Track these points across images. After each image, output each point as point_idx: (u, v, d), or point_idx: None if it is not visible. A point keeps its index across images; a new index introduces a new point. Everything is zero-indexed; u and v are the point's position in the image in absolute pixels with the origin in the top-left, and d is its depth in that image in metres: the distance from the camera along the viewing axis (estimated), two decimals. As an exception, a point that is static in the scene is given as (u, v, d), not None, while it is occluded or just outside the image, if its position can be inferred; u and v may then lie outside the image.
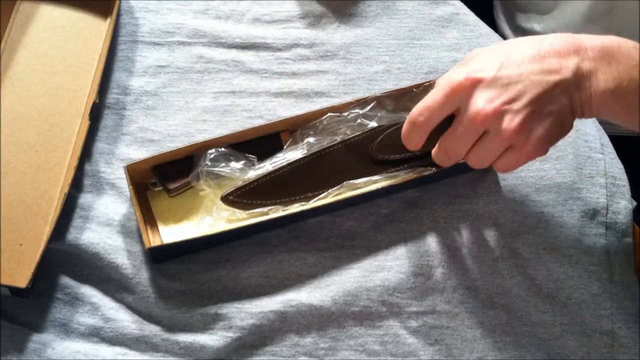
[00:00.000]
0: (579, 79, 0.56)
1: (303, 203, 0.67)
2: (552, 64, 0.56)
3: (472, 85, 0.57)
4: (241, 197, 0.67)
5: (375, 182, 0.68)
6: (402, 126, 0.62)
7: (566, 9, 0.83)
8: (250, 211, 0.67)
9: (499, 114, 0.56)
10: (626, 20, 0.77)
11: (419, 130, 0.60)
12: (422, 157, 0.68)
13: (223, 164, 0.68)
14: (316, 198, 0.67)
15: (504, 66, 0.57)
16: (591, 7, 0.79)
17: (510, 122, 0.56)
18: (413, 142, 0.61)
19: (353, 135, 0.69)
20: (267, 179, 0.67)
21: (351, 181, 0.68)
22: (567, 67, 0.56)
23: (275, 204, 0.67)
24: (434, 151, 0.62)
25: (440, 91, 0.58)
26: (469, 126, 0.58)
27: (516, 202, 0.72)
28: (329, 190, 0.68)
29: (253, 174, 0.68)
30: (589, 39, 0.57)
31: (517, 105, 0.56)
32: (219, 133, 0.72)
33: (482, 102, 0.56)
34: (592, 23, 0.80)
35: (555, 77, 0.56)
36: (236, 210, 0.67)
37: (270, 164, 0.68)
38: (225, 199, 0.66)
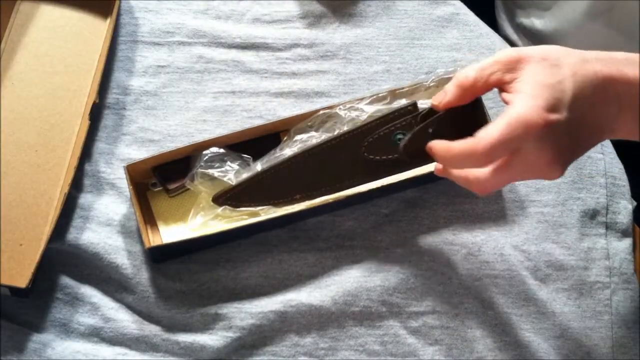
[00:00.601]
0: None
1: (292, 205, 0.67)
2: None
3: (546, 127, 0.53)
4: (230, 200, 0.67)
5: (369, 180, 0.67)
6: (393, 125, 0.62)
7: (567, 6, 0.83)
8: (240, 211, 0.67)
9: (559, 166, 0.55)
10: (627, 18, 0.77)
11: (477, 160, 0.54)
12: (413, 160, 0.65)
13: (218, 165, 0.68)
14: (306, 201, 0.67)
15: (573, 107, 0.54)
16: (592, 4, 0.79)
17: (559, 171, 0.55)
18: (470, 165, 0.57)
19: (341, 132, 0.67)
20: (254, 182, 0.66)
21: (343, 192, 0.67)
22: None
23: (263, 205, 0.67)
24: (458, 173, 0.59)
25: (513, 129, 0.53)
26: (527, 173, 0.55)
27: (516, 202, 0.72)
28: (320, 192, 0.67)
29: (246, 175, 0.68)
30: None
31: (573, 156, 0.56)
32: (219, 133, 0.72)
33: (550, 153, 0.54)
34: (592, 20, 0.80)
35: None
36: (227, 208, 0.67)
37: (262, 164, 0.68)
38: (216, 201, 0.67)
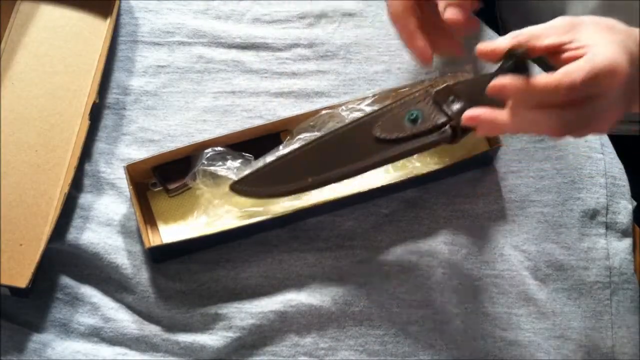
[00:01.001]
0: None
1: (308, 191, 0.66)
2: None
3: (627, 77, 0.53)
4: (248, 185, 0.66)
5: (381, 163, 0.65)
6: (406, 104, 0.61)
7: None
8: (260, 200, 0.67)
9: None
10: (630, 23, 0.77)
11: (560, 93, 0.52)
12: (428, 135, 0.63)
13: (220, 163, 0.68)
14: (318, 187, 0.65)
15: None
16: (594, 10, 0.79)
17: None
18: (545, 102, 0.54)
19: (360, 117, 0.67)
20: (270, 168, 0.66)
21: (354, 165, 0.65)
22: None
23: (281, 191, 0.66)
24: (531, 113, 0.55)
25: (601, 69, 0.52)
26: (592, 121, 0.54)
27: (516, 202, 0.72)
28: (333, 175, 0.65)
29: (261, 162, 0.68)
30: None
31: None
32: (219, 133, 0.72)
33: (622, 108, 0.54)
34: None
35: None
36: (233, 208, 0.67)
37: (264, 161, 0.68)
38: (233, 188, 0.66)
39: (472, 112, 0.57)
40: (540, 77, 0.53)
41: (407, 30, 0.65)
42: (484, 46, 0.58)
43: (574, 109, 0.53)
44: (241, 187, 0.66)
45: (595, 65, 0.52)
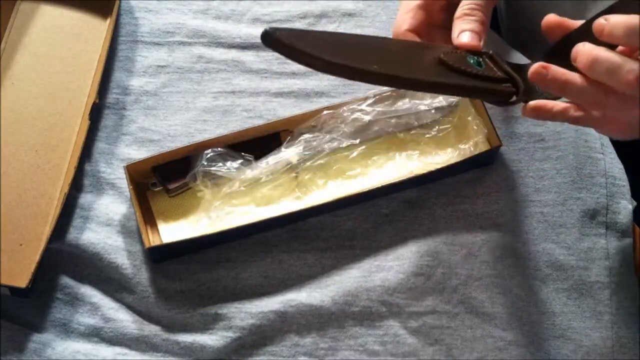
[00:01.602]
0: None
1: (366, 81, 0.55)
2: None
3: None
4: (291, 37, 0.51)
5: (442, 86, 0.57)
6: (472, 53, 0.58)
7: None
8: (260, 200, 0.64)
9: None
10: None
11: None
12: (491, 82, 0.59)
13: (220, 164, 0.68)
14: (383, 77, 0.54)
15: None
16: None
17: None
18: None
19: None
20: (336, 36, 0.57)
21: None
22: None
23: (341, 64, 0.51)
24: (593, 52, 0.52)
25: None
26: None
27: (516, 202, 0.72)
28: (394, 73, 0.54)
29: (250, 173, 0.68)
30: None
31: None
32: (219, 133, 0.72)
33: None
34: None
35: None
36: (234, 208, 0.67)
37: (267, 163, 0.68)
38: (268, 33, 0.50)
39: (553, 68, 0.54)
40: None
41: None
42: (553, 19, 0.57)
43: None
44: (282, 38, 0.50)
45: None
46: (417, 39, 0.62)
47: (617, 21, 0.51)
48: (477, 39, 0.60)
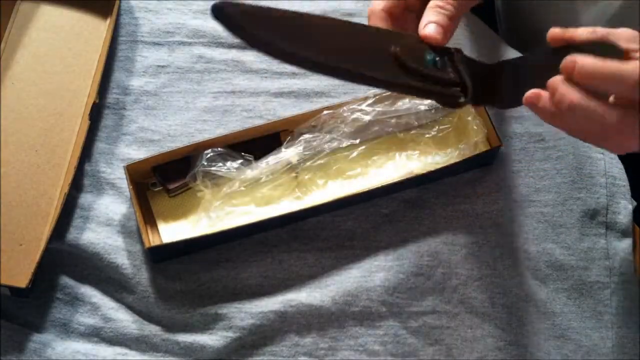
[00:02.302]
0: None
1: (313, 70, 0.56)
2: None
3: None
4: (244, 14, 0.50)
5: (393, 85, 0.58)
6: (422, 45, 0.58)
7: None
8: (260, 200, 0.63)
9: None
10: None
11: (622, 79, 0.50)
12: (439, 85, 0.58)
13: (220, 164, 0.68)
14: (331, 71, 0.55)
15: None
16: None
17: None
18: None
19: (378, 27, 0.60)
20: (287, 15, 0.53)
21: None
22: None
23: (287, 50, 0.52)
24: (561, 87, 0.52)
25: None
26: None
27: (516, 202, 0.72)
28: (345, 67, 0.55)
29: (250, 173, 0.68)
30: None
31: None
32: (219, 133, 0.72)
33: None
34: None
35: None
36: (234, 208, 0.67)
37: (267, 163, 0.68)
38: (218, 6, 0.48)
39: (533, 92, 0.54)
40: (613, 61, 0.51)
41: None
42: (558, 31, 0.55)
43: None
44: (233, 12, 0.49)
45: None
46: (388, 22, 0.61)
47: (587, 66, 0.51)
48: (441, 33, 0.59)
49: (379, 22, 0.60)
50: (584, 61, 0.51)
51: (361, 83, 0.57)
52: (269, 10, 0.52)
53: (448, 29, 0.59)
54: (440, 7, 0.59)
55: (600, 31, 0.55)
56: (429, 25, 0.59)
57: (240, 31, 0.50)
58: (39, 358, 0.63)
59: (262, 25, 0.51)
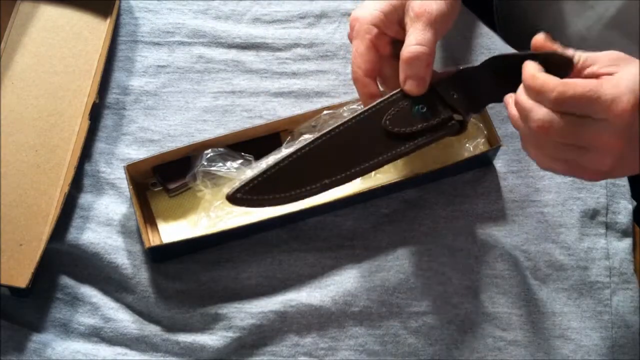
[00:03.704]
0: None
1: (319, 193, 0.61)
2: None
3: (632, 113, 0.51)
4: (250, 193, 0.59)
5: (394, 157, 0.63)
6: (416, 99, 0.62)
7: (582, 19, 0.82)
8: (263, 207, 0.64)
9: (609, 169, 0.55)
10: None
11: (548, 96, 0.53)
12: (437, 129, 0.63)
13: (220, 164, 0.68)
14: (336, 186, 0.61)
15: None
16: (609, 15, 0.79)
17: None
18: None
19: (362, 110, 0.64)
20: (274, 171, 0.60)
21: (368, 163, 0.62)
22: None
23: (289, 196, 0.60)
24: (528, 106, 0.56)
25: (603, 91, 0.52)
26: (581, 154, 0.54)
27: (516, 202, 0.72)
28: (349, 175, 0.61)
29: (250, 173, 0.68)
30: None
31: (621, 171, 0.56)
32: (219, 133, 0.72)
33: (617, 146, 0.53)
34: (610, 29, 0.79)
35: None
36: (234, 208, 0.67)
37: (267, 163, 0.68)
38: (232, 198, 0.58)
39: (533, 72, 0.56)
40: (544, 74, 0.54)
41: (365, 79, 0.65)
42: (534, 81, 0.56)
43: (568, 121, 0.53)
44: (244, 197, 0.59)
45: (597, 91, 0.52)
46: (372, 82, 0.65)
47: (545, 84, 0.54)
48: (421, 86, 0.62)
49: (364, 88, 0.65)
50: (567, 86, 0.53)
51: (371, 171, 0.62)
52: (269, 173, 0.59)
53: (427, 77, 0.62)
54: (412, 59, 0.62)
55: (579, 55, 0.57)
56: (408, 81, 0.62)
57: (260, 205, 0.60)
58: (39, 358, 0.63)
59: (272, 191, 0.60)
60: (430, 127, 0.62)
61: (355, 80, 0.65)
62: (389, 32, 0.65)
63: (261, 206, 0.60)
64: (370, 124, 0.63)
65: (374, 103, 0.64)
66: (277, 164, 0.60)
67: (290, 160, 0.60)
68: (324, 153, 0.62)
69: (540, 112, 0.54)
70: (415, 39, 0.62)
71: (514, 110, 0.58)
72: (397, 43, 0.65)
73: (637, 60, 0.55)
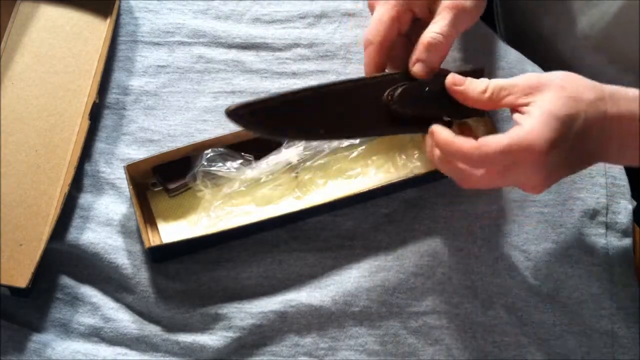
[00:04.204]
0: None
1: (310, 139, 0.63)
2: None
3: (546, 157, 0.56)
4: (249, 114, 0.59)
5: (382, 134, 0.67)
6: (424, 82, 0.62)
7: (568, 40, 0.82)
8: (260, 200, 0.65)
9: (544, 187, 0.59)
10: (626, 52, 0.76)
11: (471, 162, 0.58)
12: (426, 123, 0.63)
13: (220, 164, 0.68)
14: (330, 139, 0.64)
15: (575, 143, 0.57)
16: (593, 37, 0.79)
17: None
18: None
19: (365, 77, 0.64)
20: (277, 101, 0.60)
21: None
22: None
23: (282, 130, 0.61)
24: (450, 164, 0.60)
25: (514, 149, 0.55)
26: (515, 184, 0.59)
27: (516, 202, 0.72)
28: (343, 133, 0.64)
29: (250, 173, 0.68)
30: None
31: (559, 179, 0.60)
32: (219, 133, 0.72)
33: (542, 177, 0.57)
34: (595, 53, 0.79)
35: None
36: (234, 208, 0.67)
37: (267, 163, 0.68)
38: (232, 113, 0.58)
39: (434, 129, 0.60)
40: (460, 141, 0.57)
41: (378, 41, 0.65)
42: (457, 87, 0.61)
43: (492, 174, 0.57)
44: (242, 114, 0.58)
45: (512, 141, 0.55)
46: (383, 52, 0.65)
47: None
48: (429, 74, 0.63)
49: (375, 57, 0.64)
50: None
51: (361, 137, 0.68)
52: (274, 102, 0.59)
53: (437, 65, 0.63)
54: (432, 45, 0.62)
55: (492, 87, 0.59)
56: (418, 64, 0.63)
57: (254, 129, 0.60)
58: (39, 358, 0.63)
59: (271, 119, 0.60)
60: (421, 117, 0.62)
61: (368, 46, 0.65)
62: (416, 10, 0.65)
63: (252, 129, 0.60)
64: (369, 93, 0.63)
65: (378, 74, 0.64)
66: (282, 96, 0.60)
67: (294, 96, 0.60)
68: (324, 102, 0.62)
69: (460, 171, 0.58)
70: (441, 28, 0.62)
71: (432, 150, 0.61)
72: (416, 24, 0.65)
73: (551, 85, 0.57)
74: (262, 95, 0.60)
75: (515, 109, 0.58)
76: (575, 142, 0.56)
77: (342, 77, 0.67)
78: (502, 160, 0.56)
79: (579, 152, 0.57)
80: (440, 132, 0.59)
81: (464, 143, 0.57)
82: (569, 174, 0.60)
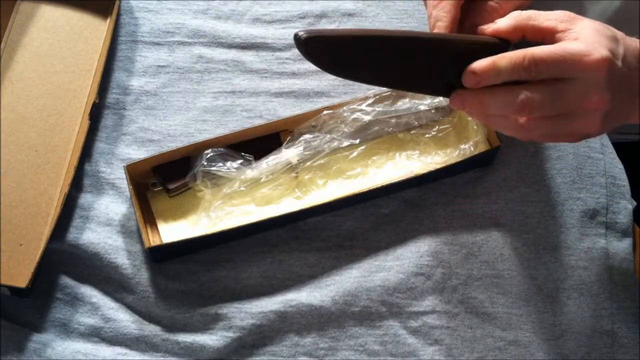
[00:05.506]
0: None
1: (366, 82, 0.60)
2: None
3: (605, 63, 0.53)
4: (320, 44, 0.55)
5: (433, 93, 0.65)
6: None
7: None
8: (260, 200, 0.65)
9: (602, 115, 0.55)
10: None
11: (523, 69, 0.53)
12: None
13: (220, 164, 0.68)
14: (382, 83, 0.61)
15: (625, 62, 0.54)
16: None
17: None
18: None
19: (439, 34, 0.61)
20: (355, 38, 0.56)
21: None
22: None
23: (341, 67, 0.57)
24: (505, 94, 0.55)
25: (568, 53, 0.52)
26: (571, 111, 0.54)
27: (516, 202, 0.72)
28: (394, 81, 0.60)
29: (250, 173, 0.68)
30: None
31: (614, 117, 0.56)
32: (219, 133, 0.72)
33: (601, 93, 0.53)
34: None
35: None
36: (234, 208, 0.67)
37: (267, 163, 0.68)
38: (310, 42, 0.54)
39: (474, 65, 0.56)
40: (506, 54, 0.54)
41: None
42: (486, 27, 0.58)
43: (541, 87, 0.53)
44: (313, 39, 0.54)
45: (565, 49, 0.53)
46: (455, 11, 0.61)
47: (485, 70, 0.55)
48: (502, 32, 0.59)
49: (446, 14, 0.61)
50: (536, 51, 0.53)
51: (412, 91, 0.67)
52: (349, 36, 0.56)
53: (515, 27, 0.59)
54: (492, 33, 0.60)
55: (524, 14, 0.57)
56: (498, 23, 0.59)
57: (325, 65, 0.56)
58: (39, 358, 0.63)
59: (343, 55, 0.56)
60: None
61: (435, 23, 0.61)
62: None
63: (316, 63, 0.56)
64: (435, 52, 0.59)
65: (457, 35, 0.61)
66: (352, 33, 0.57)
67: (360, 37, 0.57)
68: (388, 49, 0.58)
69: (516, 94, 0.54)
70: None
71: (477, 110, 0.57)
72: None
73: (584, 18, 0.56)
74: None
75: (553, 38, 0.56)
76: (626, 65, 0.54)
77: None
78: (557, 65, 0.52)
79: (630, 82, 0.55)
80: (480, 61, 0.55)
81: (511, 53, 0.54)
82: (622, 117, 0.56)
